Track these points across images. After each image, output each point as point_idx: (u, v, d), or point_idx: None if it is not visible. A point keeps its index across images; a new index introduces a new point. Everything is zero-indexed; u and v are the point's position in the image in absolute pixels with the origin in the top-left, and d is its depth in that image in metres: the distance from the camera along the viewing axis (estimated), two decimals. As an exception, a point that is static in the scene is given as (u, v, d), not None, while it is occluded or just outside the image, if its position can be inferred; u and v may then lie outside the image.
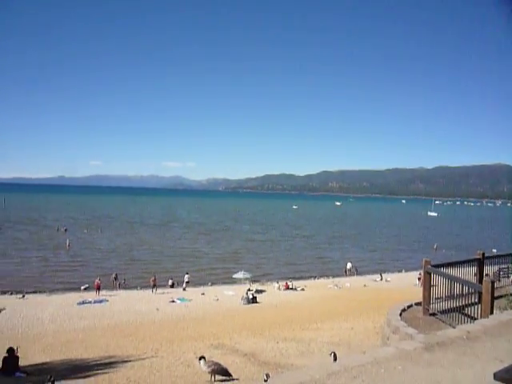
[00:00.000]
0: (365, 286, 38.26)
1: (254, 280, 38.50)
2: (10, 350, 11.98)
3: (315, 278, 43.10)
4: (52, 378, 6.99)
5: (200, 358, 9.64)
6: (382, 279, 41.18)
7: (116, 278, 36.72)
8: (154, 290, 33.62)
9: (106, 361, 13.30)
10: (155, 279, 34.25)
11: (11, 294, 32.45)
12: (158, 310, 28.48)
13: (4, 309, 27.53)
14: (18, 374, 11.46)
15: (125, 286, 36.45)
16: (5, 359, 11.73)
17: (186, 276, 37.16)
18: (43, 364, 13.96)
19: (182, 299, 31.69)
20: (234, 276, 37.01)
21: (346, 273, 45.63)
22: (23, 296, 31.63)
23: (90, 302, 30.22)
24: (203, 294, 33.60)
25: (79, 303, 29.87)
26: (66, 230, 73.27)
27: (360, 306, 27.94)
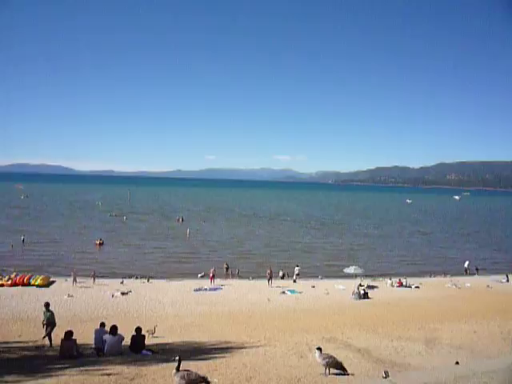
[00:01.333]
0: (488, 286, 35.23)
1: (365, 275, 37.50)
2: (138, 329, 13.01)
3: (431, 275, 40.70)
4: (179, 359, 7.38)
5: (317, 349, 9.57)
6: (508, 281, 37.61)
7: (228, 268, 38.11)
8: (270, 282, 33.84)
9: (223, 346, 13.87)
10: (271, 271, 34.58)
11: (136, 278, 35.31)
12: (269, 300, 29.04)
13: (130, 291, 30.15)
14: (144, 351, 12.43)
15: (238, 276, 37.72)
16: (133, 337, 12.78)
17: (297, 268, 37.35)
18: (166, 344, 14.95)
19: (292, 291, 31.95)
20: (345, 270, 36.36)
21: (466, 272, 42.43)
22: (148, 280, 34.26)
23: (205, 290, 31.79)
24: (313, 286, 33.53)
25: (196, 290, 31.57)
26: (182, 220, 78.23)
27: (483, 308, 25.80)
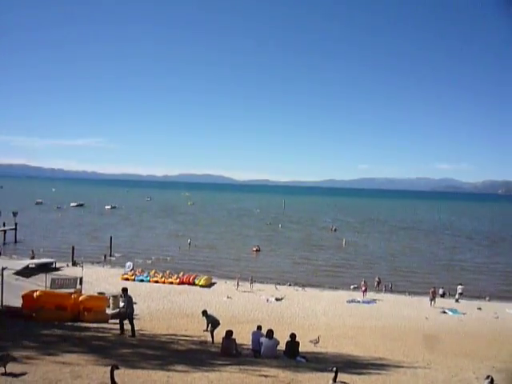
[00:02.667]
0: None
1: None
2: (293, 336, 13.24)
3: None
4: (336, 370, 7.30)
5: (486, 378, 8.59)
6: None
7: (379, 282, 36.67)
8: (433, 303, 31.03)
9: (377, 362, 13.35)
10: (435, 291, 32.04)
11: (290, 285, 36.13)
12: (427, 318, 27.21)
13: (284, 297, 30.95)
14: (298, 358, 12.60)
15: (391, 290, 36.10)
16: (288, 343, 13.05)
17: (460, 287, 34.28)
18: (319, 353, 14.96)
19: (454, 311, 29.40)
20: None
21: None
22: (303, 288, 34.84)
23: (358, 302, 31.09)
24: (479, 308, 30.32)
25: (348, 301, 31.05)
26: (335, 230, 77.98)
27: None
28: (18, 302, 18.70)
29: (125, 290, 16.17)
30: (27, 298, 18.63)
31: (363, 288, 32.90)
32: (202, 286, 33.31)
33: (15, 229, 55.06)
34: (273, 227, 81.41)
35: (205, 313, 17.08)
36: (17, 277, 29.81)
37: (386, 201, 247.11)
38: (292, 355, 12.77)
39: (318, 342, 17.39)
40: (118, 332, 15.39)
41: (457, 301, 32.58)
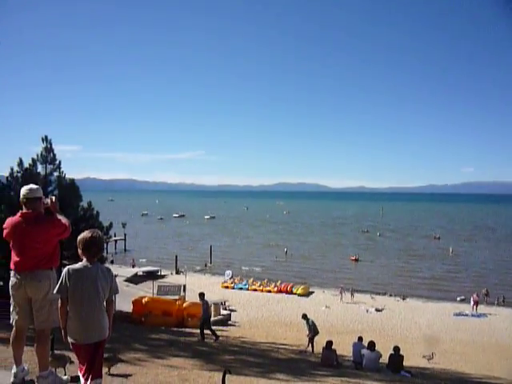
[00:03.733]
0: None
1: None
2: (396, 349, 12.70)
3: None
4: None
5: None
6: None
7: (487, 295, 33.80)
8: None
9: (492, 381, 12.29)
10: None
11: (390, 295, 34.77)
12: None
13: (384, 308, 29.85)
14: (403, 372, 12.04)
15: (504, 304, 33.18)
16: (391, 356, 12.54)
17: None
18: (424, 369, 14.19)
19: None
20: None
21: None
22: (403, 299, 33.39)
23: (466, 315, 29.02)
24: None
25: (455, 314, 29.11)
26: (439, 237, 73.71)
27: None
28: (128, 307, 20.04)
29: (202, 295, 16.67)
30: (137, 303, 19.95)
31: (474, 300, 30.56)
32: (299, 294, 33.28)
33: (124, 239, 59.41)
34: (370, 235, 79.09)
35: (305, 316, 17.02)
36: (127, 283, 32.06)
37: (494, 206, 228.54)
38: (396, 369, 12.23)
39: (431, 358, 16.43)
40: (199, 338, 15.63)
41: None
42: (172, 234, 78.91)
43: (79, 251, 3.64)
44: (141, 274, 37.46)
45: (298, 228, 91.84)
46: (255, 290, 34.68)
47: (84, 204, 20.26)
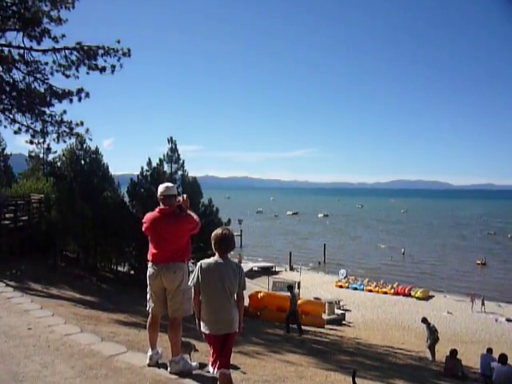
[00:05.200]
0: None
1: None
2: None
3: None
4: None
5: None
6: None
7: None
8: None
9: None
10: None
11: None
12: None
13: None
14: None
15: None
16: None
17: None
18: None
19: None
20: None
21: None
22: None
23: None
24: None
25: None
26: None
27: None
28: (244, 301, 20.76)
29: (290, 288, 16.56)
30: (253, 298, 20.57)
31: None
32: (418, 298, 31.65)
33: (240, 235, 61.56)
34: (498, 238, 72.32)
35: (425, 320, 16.20)
36: (243, 278, 33.25)
37: None
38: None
39: None
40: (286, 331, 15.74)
41: None
42: (286, 231, 79.93)
43: (212, 247, 3.87)
44: (256, 269, 38.55)
45: (415, 228, 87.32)
46: (370, 290, 33.73)
47: (204, 201, 21.41)
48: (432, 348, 15.31)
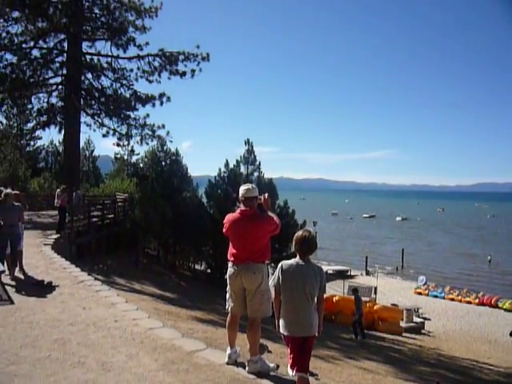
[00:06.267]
0: None
1: None
2: None
3: None
4: None
5: None
6: None
7: None
8: None
9: None
10: None
11: None
12: None
13: None
14: None
15: None
16: None
17: None
18: None
19: None
20: None
21: None
22: None
23: None
24: None
25: None
26: None
27: None
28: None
29: (355, 290, 16.02)
30: (328, 301, 20.26)
31: None
32: (506, 310, 29.46)
33: (315, 237, 61.23)
34: None
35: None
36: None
37: None
38: None
39: None
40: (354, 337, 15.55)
41: None
42: (361, 234, 78.14)
43: (294, 248, 3.87)
44: (331, 272, 38.04)
45: (504, 235, 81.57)
46: (452, 299, 31.95)
47: (280, 202, 21.48)
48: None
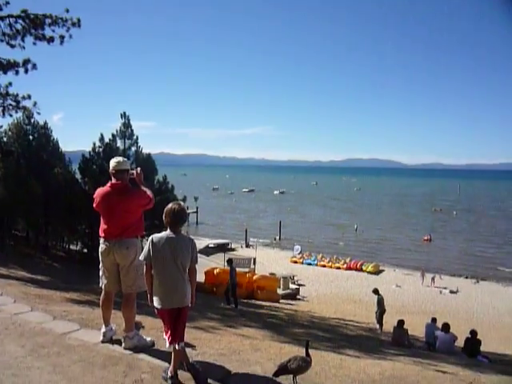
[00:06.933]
0: None
1: None
2: (473, 333, 12.23)
3: None
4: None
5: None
6: None
7: None
8: None
9: None
10: None
11: (466, 277, 33.34)
12: None
13: (459, 290, 28.76)
14: (480, 357, 11.58)
15: None
16: (467, 340, 12.10)
17: None
18: (504, 355, 13.57)
19: None
20: None
21: None
22: (477, 281, 31.96)
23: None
24: None
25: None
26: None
27: None
28: (200, 277, 20.77)
29: (230, 261, 16.65)
30: (209, 274, 20.68)
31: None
32: (369, 272, 32.85)
33: (196, 212, 61.35)
34: (444, 215, 75.64)
35: (376, 291, 16.79)
36: (199, 255, 33.23)
37: None
38: (472, 353, 11.79)
39: None
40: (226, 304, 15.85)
41: None
42: (241, 208, 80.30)
43: (164, 221, 3.85)
44: (212, 245, 38.66)
45: (368, 206, 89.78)
46: (324, 266, 34.66)
47: (159, 178, 21.11)
48: (380, 319, 15.97)
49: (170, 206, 3.84)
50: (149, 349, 4.60)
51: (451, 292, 28.36)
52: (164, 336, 3.89)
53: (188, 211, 59.58)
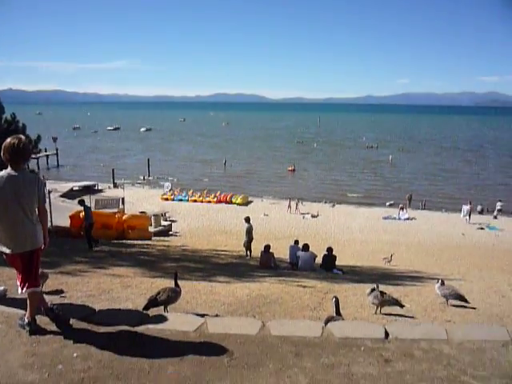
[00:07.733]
0: None
1: None
2: (329, 249, 13.60)
3: None
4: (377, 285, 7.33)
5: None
6: None
7: (410, 199, 36.26)
8: (468, 218, 30.71)
9: (413, 275, 13.58)
10: (472, 206, 31.66)
11: (325, 202, 36.53)
12: (463, 235, 27.16)
13: (319, 215, 31.46)
14: (335, 270, 13.03)
15: (425, 207, 35.94)
16: (325, 257, 13.45)
17: (499, 204, 33.81)
18: (354, 267, 15.38)
19: (492, 227, 29.23)
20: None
21: None
22: (333, 205, 35.25)
23: (394, 218, 31.21)
24: (518, 224, 30.03)
25: (384, 218, 31.25)
26: (377, 147, 76.93)
27: None
28: (65, 223, 19.65)
29: (82, 202, 16.09)
30: (74, 218, 19.57)
31: (401, 205, 32.81)
32: (238, 204, 34.08)
33: (56, 154, 56.82)
34: (306, 146, 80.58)
35: (248, 220, 17.51)
36: (63, 199, 31.27)
37: (426, 117, 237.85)
38: (329, 268, 13.17)
39: (390, 261, 17.39)
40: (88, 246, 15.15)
41: (495, 217, 32.23)
42: (106, 147, 76.32)
43: (3, 158, 3.42)
44: (76, 188, 36.52)
45: (235, 140, 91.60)
46: (195, 200, 35.04)
47: (7, 116, 18.85)
48: (249, 246, 16.84)
49: (8, 140, 3.39)
50: (1, 298, 4.26)
51: (312, 216, 30.92)
52: (17, 282, 3.60)
53: (47, 153, 55.23)
